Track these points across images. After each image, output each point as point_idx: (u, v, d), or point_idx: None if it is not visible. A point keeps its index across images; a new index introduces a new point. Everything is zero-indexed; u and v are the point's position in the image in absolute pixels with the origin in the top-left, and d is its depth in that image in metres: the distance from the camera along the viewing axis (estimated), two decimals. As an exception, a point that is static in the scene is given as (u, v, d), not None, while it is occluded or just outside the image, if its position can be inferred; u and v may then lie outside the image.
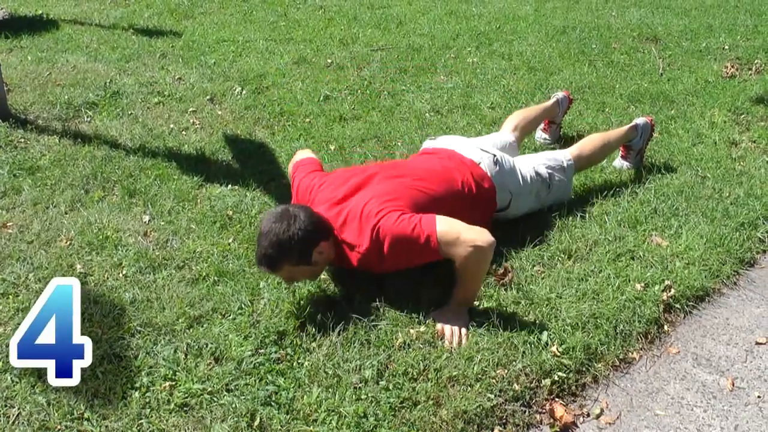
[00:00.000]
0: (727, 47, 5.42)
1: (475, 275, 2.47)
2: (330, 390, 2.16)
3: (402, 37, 5.68)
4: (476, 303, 2.52)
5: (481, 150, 2.95)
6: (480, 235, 2.38)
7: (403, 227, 2.41)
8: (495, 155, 2.94)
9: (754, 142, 3.87)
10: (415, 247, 2.41)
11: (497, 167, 2.90)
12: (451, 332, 2.37)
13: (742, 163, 3.62)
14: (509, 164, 2.97)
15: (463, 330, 2.39)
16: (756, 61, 5.08)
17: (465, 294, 2.49)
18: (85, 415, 2.07)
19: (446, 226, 2.40)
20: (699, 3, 6.80)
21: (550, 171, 3.08)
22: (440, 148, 3.03)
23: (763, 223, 3.09)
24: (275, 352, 2.30)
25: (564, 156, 3.17)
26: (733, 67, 4.95)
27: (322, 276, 2.65)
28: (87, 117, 4.03)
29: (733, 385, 2.33)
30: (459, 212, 2.55)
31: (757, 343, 2.52)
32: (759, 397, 2.28)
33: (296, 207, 2.47)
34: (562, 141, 3.80)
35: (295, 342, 2.35)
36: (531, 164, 3.06)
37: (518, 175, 2.97)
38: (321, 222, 2.48)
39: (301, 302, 2.50)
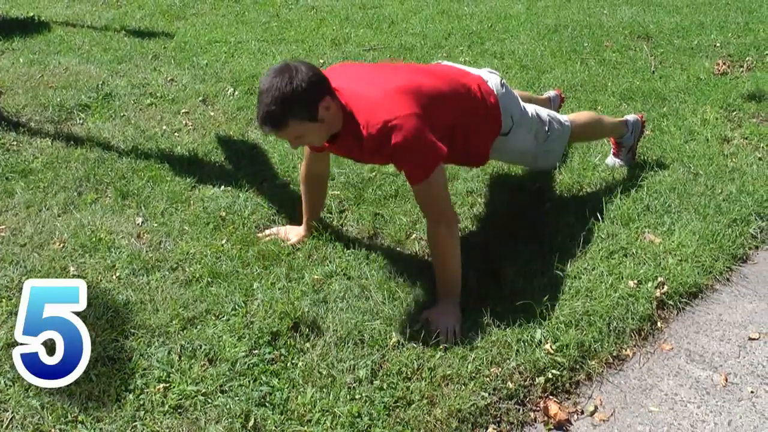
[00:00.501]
0: (718, 44, 5.44)
1: (443, 258, 2.49)
2: (324, 390, 2.16)
3: (394, 36, 5.68)
4: (469, 301, 2.53)
5: (488, 71, 2.94)
6: (450, 213, 2.46)
7: (420, 144, 2.36)
8: (502, 78, 2.92)
9: (746, 138, 3.88)
10: (414, 161, 2.39)
11: (504, 89, 2.87)
12: (444, 331, 2.38)
13: (734, 159, 3.63)
14: (514, 93, 2.96)
15: (457, 328, 2.39)
16: (747, 58, 5.09)
17: (443, 282, 2.51)
18: (79, 418, 2.07)
19: (440, 179, 2.42)
20: (690, 0, 6.82)
21: (550, 118, 3.07)
22: (445, 63, 3.05)
23: (756, 219, 3.10)
24: (269, 353, 2.30)
25: (562, 116, 3.18)
26: (724, 64, 4.97)
27: (315, 276, 2.65)
28: (79, 119, 4.02)
29: (727, 380, 2.34)
30: (467, 117, 2.58)
31: (750, 339, 2.53)
32: (752, 392, 2.29)
33: (297, 60, 2.35)
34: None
35: (288, 342, 2.35)
36: (533, 106, 3.07)
37: (521, 105, 2.96)
38: (324, 77, 2.35)
39: (295, 303, 2.50)
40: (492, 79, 2.87)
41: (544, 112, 3.08)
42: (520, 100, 2.99)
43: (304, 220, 2.92)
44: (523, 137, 2.95)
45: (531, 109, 3.02)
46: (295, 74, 2.25)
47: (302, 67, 2.28)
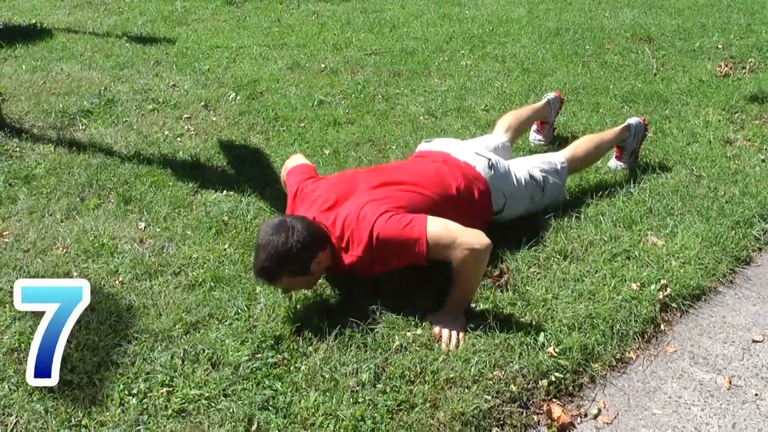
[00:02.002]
0: (720, 46, 5.44)
1: (472, 278, 2.47)
2: (327, 394, 2.16)
3: (395, 40, 5.69)
4: (472, 305, 2.53)
5: (475, 154, 2.95)
6: (476, 238, 2.39)
7: (394, 226, 2.41)
8: (490, 159, 2.93)
9: (749, 140, 3.88)
10: (405, 247, 2.41)
11: (492, 171, 2.90)
12: (448, 334, 2.37)
13: (736, 161, 3.62)
14: (504, 168, 2.97)
15: (460, 332, 2.39)
16: (750, 60, 5.10)
17: (461, 296, 2.49)
18: (83, 422, 2.07)
19: (439, 229, 2.40)
20: (692, 2, 6.83)
21: (544, 174, 3.08)
22: (434, 151, 3.03)
23: (759, 221, 3.10)
24: (272, 357, 2.30)
25: (558, 158, 3.17)
26: (726, 65, 4.97)
27: (319, 281, 2.65)
28: (82, 125, 4.03)
29: (731, 383, 2.33)
30: (455, 216, 2.55)
31: (754, 341, 2.52)
32: (756, 395, 2.28)
33: (293, 218, 2.45)
34: (557, 142, 3.80)
35: (291, 346, 2.34)
36: (525, 167, 3.06)
37: (512, 178, 2.97)
38: (318, 231, 2.47)
39: (298, 306, 2.50)
40: (480, 163, 2.90)
41: (538, 170, 3.08)
42: (512, 172, 2.98)
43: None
44: (518, 205, 2.99)
45: (523, 173, 3.02)
46: (291, 233, 2.36)
47: (298, 225, 2.39)
